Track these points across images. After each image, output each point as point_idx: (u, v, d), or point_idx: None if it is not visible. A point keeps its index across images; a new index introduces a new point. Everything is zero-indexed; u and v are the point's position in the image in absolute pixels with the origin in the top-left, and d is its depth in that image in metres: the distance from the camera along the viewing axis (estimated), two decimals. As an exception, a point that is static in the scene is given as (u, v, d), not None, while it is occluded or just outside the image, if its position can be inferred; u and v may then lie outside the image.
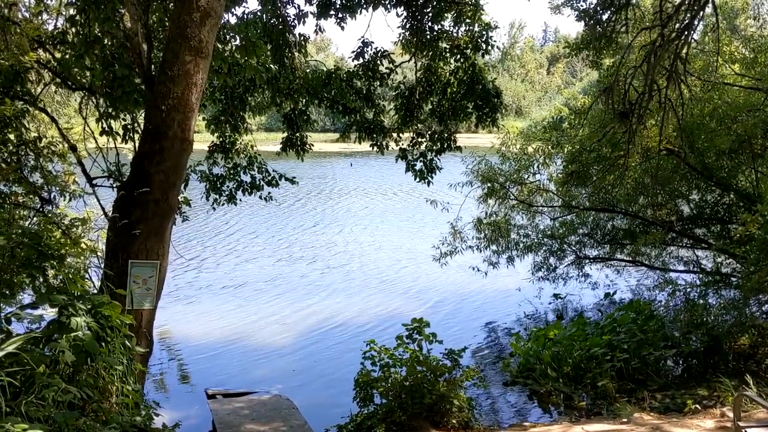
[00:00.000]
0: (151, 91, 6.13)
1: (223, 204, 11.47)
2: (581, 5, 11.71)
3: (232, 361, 12.46)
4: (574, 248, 15.81)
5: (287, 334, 14.05)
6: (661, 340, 11.10)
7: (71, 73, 8.33)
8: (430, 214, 19.63)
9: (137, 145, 6.78)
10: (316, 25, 11.63)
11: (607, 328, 11.91)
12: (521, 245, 15.61)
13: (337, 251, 22.47)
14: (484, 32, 11.07)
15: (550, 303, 16.19)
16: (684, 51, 9.08)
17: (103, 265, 6.14)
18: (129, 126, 8.61)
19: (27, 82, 8.13)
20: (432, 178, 11.72)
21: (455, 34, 11.31)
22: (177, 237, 20.44)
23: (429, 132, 11.78)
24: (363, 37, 11.42)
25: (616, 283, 16.75)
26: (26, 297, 5.64)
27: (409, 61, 11.76)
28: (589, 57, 12.66)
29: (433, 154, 11.58)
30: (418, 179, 11.71)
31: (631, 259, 15.58)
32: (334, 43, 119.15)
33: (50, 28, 8.64)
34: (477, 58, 11.23)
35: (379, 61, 11.39)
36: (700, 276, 12.97)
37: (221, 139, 11.24)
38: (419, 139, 11.76)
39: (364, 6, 11.06)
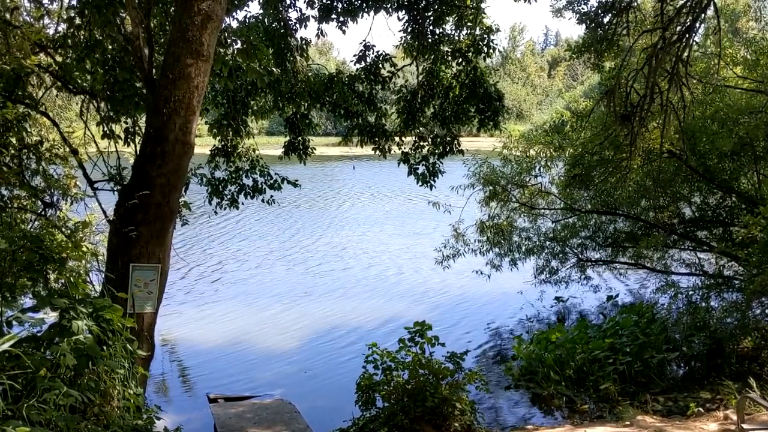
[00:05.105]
0: (152, 95, 6.14)
1: (225, 208, 11.44)
2: (582, 8, 11.70)
3: (234, 365, 12.44)
4: (576, 251, 15.79)
5: (288, 337, 14.04)
6: (663, 343, 11.10)
7: (72, 77, 8.34)
8: (431, 217, 19.62)
9: (138, 148, 6.78)
10: (318, 29, 11.62)
11: (610, 331, 11.91)
12: (523, 248, 15.59)
13: (338, 254, 22.47)
14: (485, 35, 11.05)
15: (552, 306, 16.19)
16: (685, 54, 9.07)
17: (104, 269, 6.13)
18: (130, 129, 8.62)
19: (28, 86, 8.14)
20: (434, 182, 11.68)
21: (457, 38, 11.31)
22: (181, 240, 20.49)
23: (431, 136, 11.76)
24: (365, 40, 11.43)
25: (621, 285, 16.73)
26: (27, 301, 5.64)
27: (410, 64, 11.75)
28: (591, 60, 12.64)
29: (436, 157, 11.56)
30: (420, 183, 11.68)
31: (633, 262, 15.54)
32: (336, 47, 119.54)
33: (51, 32, 8.65)
34: (478, 61, 11.23)
35: (380, 65, 11.38)
36: (703, 279, 12.92)
37: (223, 143, 11.24)
38: (421, 143, 11.74)
39: (366, 10, 11.07)
